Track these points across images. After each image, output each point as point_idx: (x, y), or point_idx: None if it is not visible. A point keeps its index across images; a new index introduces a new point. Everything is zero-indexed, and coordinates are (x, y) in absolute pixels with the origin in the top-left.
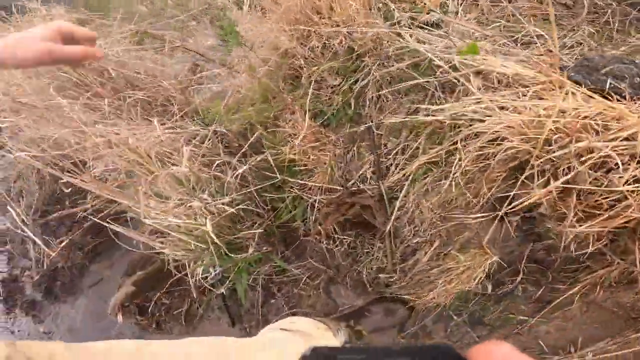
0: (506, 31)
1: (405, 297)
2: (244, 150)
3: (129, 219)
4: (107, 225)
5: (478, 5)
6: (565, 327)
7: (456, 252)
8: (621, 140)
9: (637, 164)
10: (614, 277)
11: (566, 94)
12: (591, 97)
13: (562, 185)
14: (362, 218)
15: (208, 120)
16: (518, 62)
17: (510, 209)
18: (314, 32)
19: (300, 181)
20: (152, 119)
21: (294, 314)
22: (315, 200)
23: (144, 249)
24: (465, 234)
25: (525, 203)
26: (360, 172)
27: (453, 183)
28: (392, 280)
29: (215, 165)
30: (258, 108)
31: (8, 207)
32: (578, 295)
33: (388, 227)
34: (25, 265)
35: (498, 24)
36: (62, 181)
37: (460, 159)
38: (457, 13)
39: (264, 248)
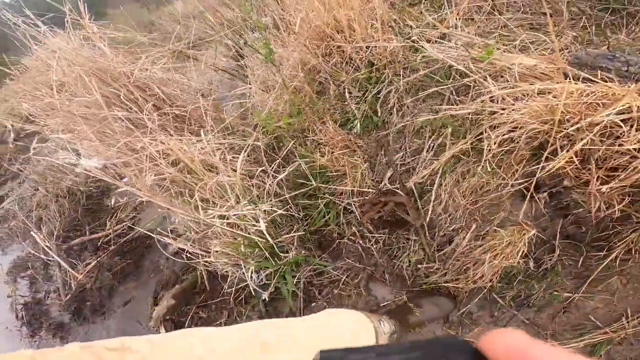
0: (503, 40)
1: (447, 285)
2: (278, 160)
3: (170, 232)
4: (154, 236)
5: (474, 19)
6: (611, 300)
7: (496, 228)
8: (618, 113)
9: (636, 130)
10: None
11: (569, 79)
12: (590, 82)
13: (580, 151)
14: (395, 216)
15: (244, 133)
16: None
17: (542, 174)
18: (337, 48)
19: (332, 187)
20: (190, 133)
21: None
22: (347, 204)
23: (175, 265)
24: (500, 214)
25: (553, 168)
26: (390, 174)
27: (487, 165)
28: (432, 270)
29: (256, 174)
30: (289, 120)
31: (31, 233)
32: (616, 263)
33: (420, 222)
34: (48, 289)
35: (495, 34)
36: (118, 190)
37: (489, 145)
38: (456, 27)
39: (302, 252)
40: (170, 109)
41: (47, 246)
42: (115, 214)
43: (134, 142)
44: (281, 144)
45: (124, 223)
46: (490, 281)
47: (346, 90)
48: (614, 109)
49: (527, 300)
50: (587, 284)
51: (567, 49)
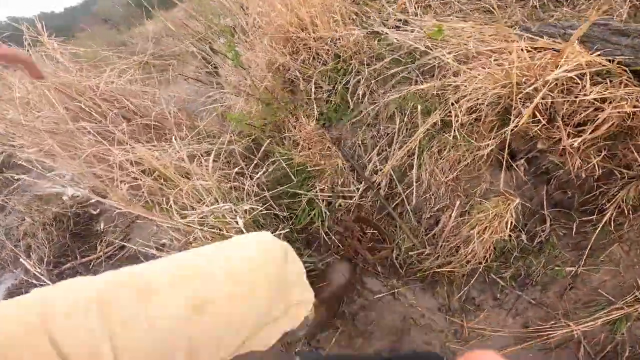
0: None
1: (440, 271)
2: (255, 161)
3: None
4: (135, 247)
5: (431, 6)
6: (618, 271)
7: (481, 199)
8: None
9: (592, 84)
10: (633, 198)
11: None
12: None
13: (545, 111)
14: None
15: (220, 138)
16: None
17: (511, 132)
18: (304, 45)
19: (312, 184)
20: (164, 142)
21: None
22: (328, 203)
23: None
24: (482, 185)
25: (520, 124)
26: (369, 165)
27: (457, 133)
28: (424, 256)
29: (233, 176)
30: (263, 121)
31: (21, 261)
32: (612, 227)
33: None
34: None
35: (450, 18)
36: (91, 201)
37: (456, 114)
38: (416, 14)
39: None
40: (141, 120)
41: (38, 272)
42: (105, 237)
43: (104, 152)
44: (260, 146)
45: (115, 245)
46: (484, 259)
47: (315, 84)
48: (567, 65)
49: (528, 279)
50: (587, 254)
51: (517, 24)
